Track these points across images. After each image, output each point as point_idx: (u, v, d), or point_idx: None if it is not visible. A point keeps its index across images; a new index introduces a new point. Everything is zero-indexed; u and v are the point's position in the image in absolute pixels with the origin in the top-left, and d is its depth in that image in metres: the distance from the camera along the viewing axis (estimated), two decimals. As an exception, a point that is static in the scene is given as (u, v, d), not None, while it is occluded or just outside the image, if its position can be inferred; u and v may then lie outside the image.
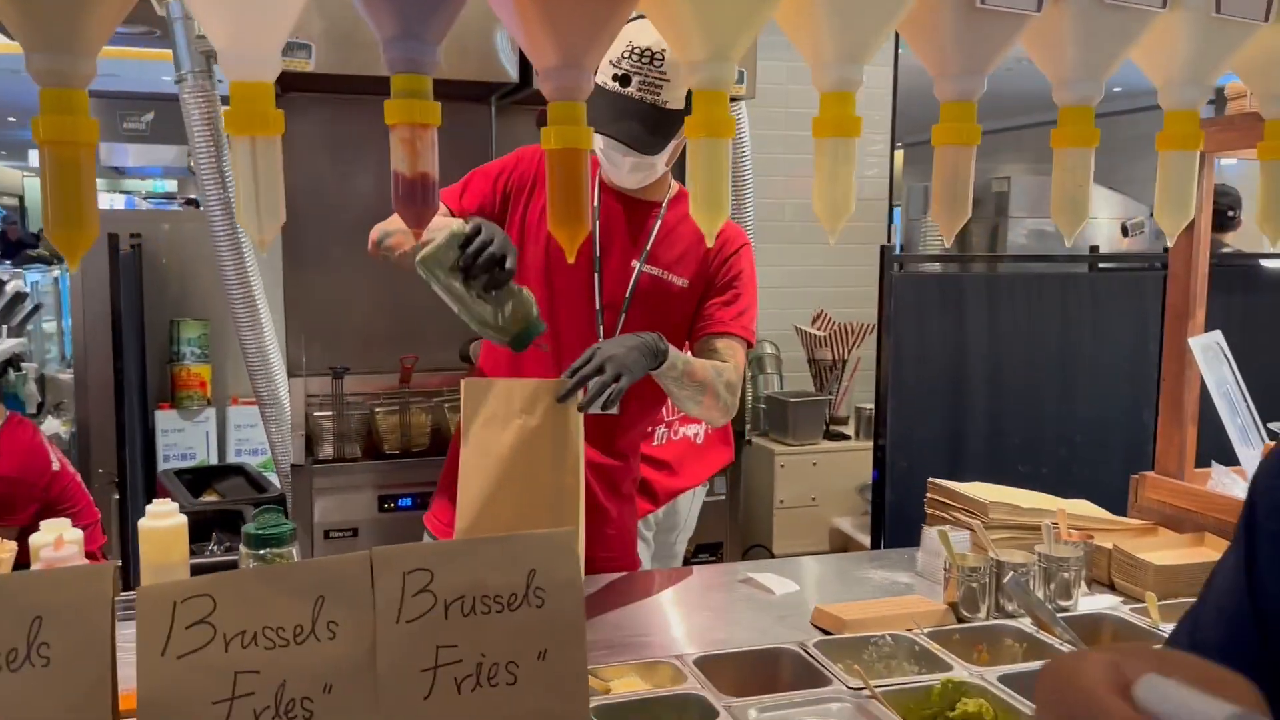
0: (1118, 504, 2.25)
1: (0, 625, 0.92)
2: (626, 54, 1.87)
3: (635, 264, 2.03)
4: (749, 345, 2.08)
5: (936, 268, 3.97)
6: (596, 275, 2.02)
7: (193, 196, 12.74)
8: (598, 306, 2.02)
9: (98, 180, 1.28)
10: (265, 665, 0.97)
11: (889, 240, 4.69)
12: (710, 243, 1.43)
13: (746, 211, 4.14)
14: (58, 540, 1.50)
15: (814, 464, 3.82)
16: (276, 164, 1.27)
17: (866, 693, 1.48)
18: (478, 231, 1.70)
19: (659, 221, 2.06)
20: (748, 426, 3.82)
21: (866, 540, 3.24)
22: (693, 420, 2.66)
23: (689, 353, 2.03)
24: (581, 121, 1.37)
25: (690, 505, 2.72)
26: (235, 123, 1.25)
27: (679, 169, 1.70)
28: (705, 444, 2.70)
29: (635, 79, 1.86)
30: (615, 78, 1.87)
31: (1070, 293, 2.96)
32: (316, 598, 1.00)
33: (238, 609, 0.98)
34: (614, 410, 1.81)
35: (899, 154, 4.73)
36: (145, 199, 15.23)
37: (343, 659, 0.99)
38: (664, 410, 2.59)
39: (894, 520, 2.78)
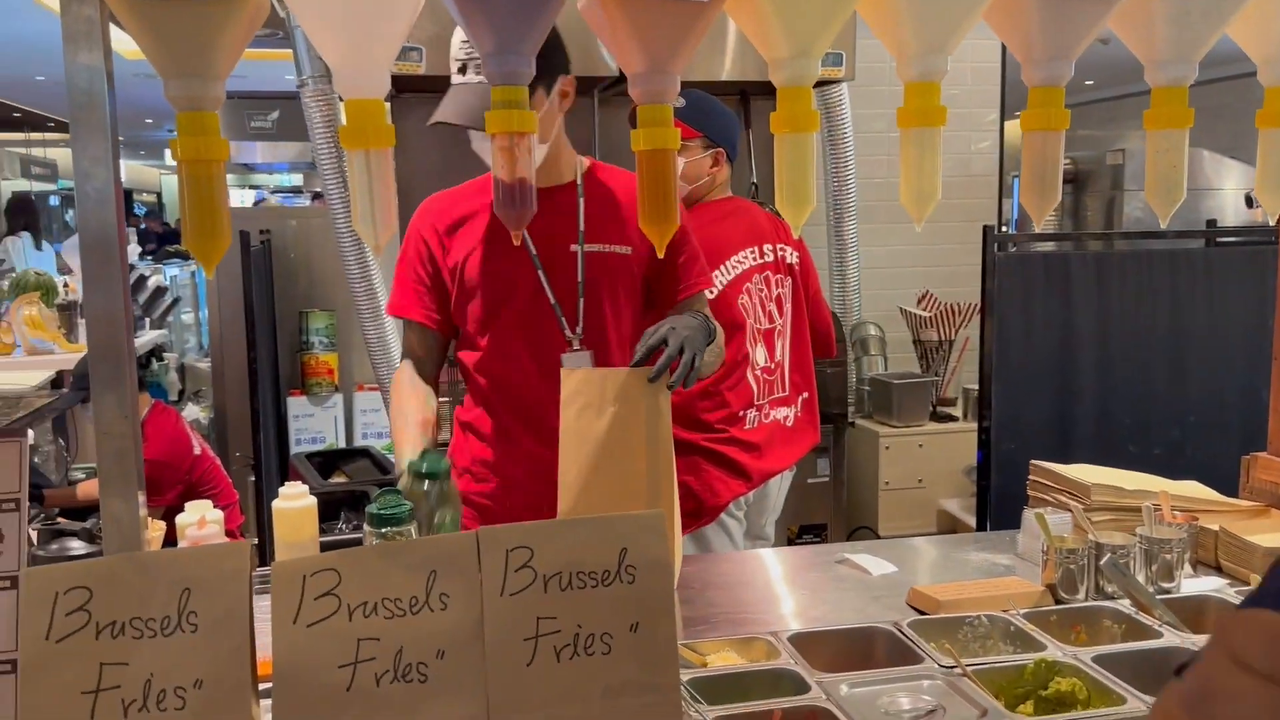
0: (1233, 487, 2.20)
1: (155, 596, 1.04)
2: (461, 44, 1.90)
3: (575, 248, 2.03)
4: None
5: (1049, 245, 3.89)
6: (541, 274, 2.01)
7: (319, 190, 13.29)
8: (552, 302, 2.01)
9: (228, 176, 1.40)
10: (385, 633, 1.07)
11: (999, 216, 4.60)
12: (796, 235, 1.48)
13: (849, 193, 4.13)
14: (201, 520, 1.65)
15: (920, 445, 3.80)
16: (389, 174, 1.38)
17: (958, 671, 1.51)
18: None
19: (581, 199, 2.06)
20: (851, 408, 3.83)
21: (973, 522, 3.23)
22: (783, 403, 2.69)
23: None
24: (669, 123, 1.43)
25: (779, 488, 2.75)
26: (350, 138, 1.36)
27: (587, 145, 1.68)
28: (795, 427, 2.72)
29: (470, 65, 1.89)
30: (458, 69, 1.91)
31: (1183, 269, 2.88)
32: (430, 572, 1.10)
33: (360, 582, 1.08)
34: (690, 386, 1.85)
35: (1014, 124, 4.61)
36: (274, 193, 15.96)
37: (454, 628, 1.09)
38: (754, 393, 2.64)
39: (999, 503, 2.76)
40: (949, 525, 3.71)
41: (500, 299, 2.03)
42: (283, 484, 1.79)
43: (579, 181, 2.09)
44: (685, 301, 2.15)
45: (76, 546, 1.64)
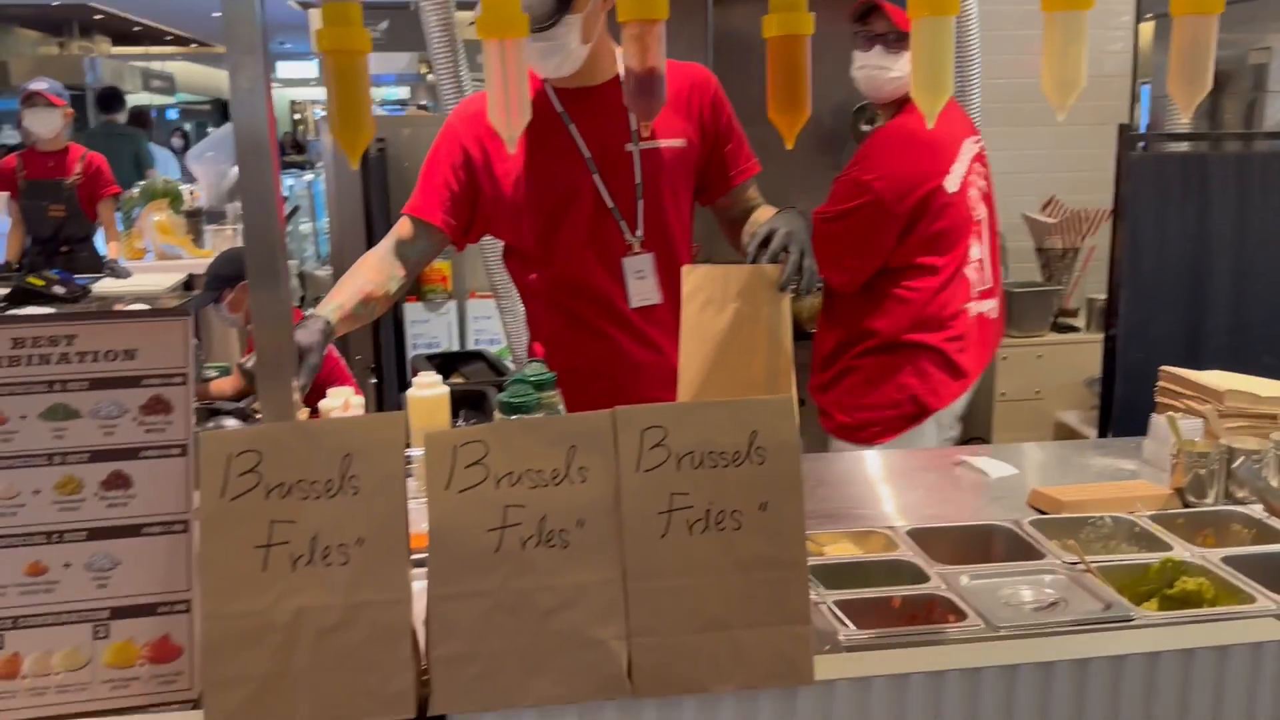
0: (1377, 398, 2.10)
1: (318, 460, 1.12)
2: None
3: (629, 147, 1.98)
4: None
5: (1183, 148, 3.70)
6: (597, 178, 1.98)
7: (424, 103, 13.38)
8: (610, 205, 1.98)
9: None
10: (530, 501, 1.13)
11: (1131, 120, 4.39)
12: (930, 124, 1.46)
13: (973, 93, 3.99)
14: (345, 404, 1.74)
15: (1039, 356, 3.71)
16: (522, 64, 1.40)
17: (1082, 567, 1.51)
18: None
19: None
20: (969, 318, 3.75)
21: (1093, 435, 3.16)
22: (987, 294, 2.65)
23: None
24: (802, 8, 1.41)
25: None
26: (486, 27, 1.38)
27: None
28: (997, 319, 2.70)
29: None
30: None
31: (1334, 172, 2.71)
32: (570, 447, 1.15)
33: (506, 454, 1.14)
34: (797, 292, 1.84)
35: (1147, 26, 4.35)
36: (380, 106, 16.17)
37: (593, 499, 1.14)
38: (970, 288, 2.58)
39: (1123, 415, 2.69)
40: (1067, 437, 3.64)
41: (560, 208, 2.00)
42: (402, 386, 1.86)
43: (623, 76, 2.04)
44: (740, 187, 2.11)
45: (232, 425, 1.75)
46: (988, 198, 2.67)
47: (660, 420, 1.17)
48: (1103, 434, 2.75)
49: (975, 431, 3.85)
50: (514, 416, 1.69)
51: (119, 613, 1.17)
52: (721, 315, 1.83)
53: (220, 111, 16.14)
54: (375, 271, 2.00)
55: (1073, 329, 3.81)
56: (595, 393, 2.07)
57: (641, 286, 2.06)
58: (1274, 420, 1.88)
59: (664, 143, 2.01)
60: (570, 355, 2.08)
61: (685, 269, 1.85)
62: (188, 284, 5.49)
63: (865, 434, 2.58)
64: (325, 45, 1.35)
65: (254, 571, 1.10)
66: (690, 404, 1.19)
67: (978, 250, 2.61)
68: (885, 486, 2.06)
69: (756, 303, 1.82)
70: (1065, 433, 3.59)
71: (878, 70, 2.55)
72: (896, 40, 2.48)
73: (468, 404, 3.70)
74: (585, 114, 2.00)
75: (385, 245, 2.06)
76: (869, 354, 2.60)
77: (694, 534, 1.16)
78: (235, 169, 7.36)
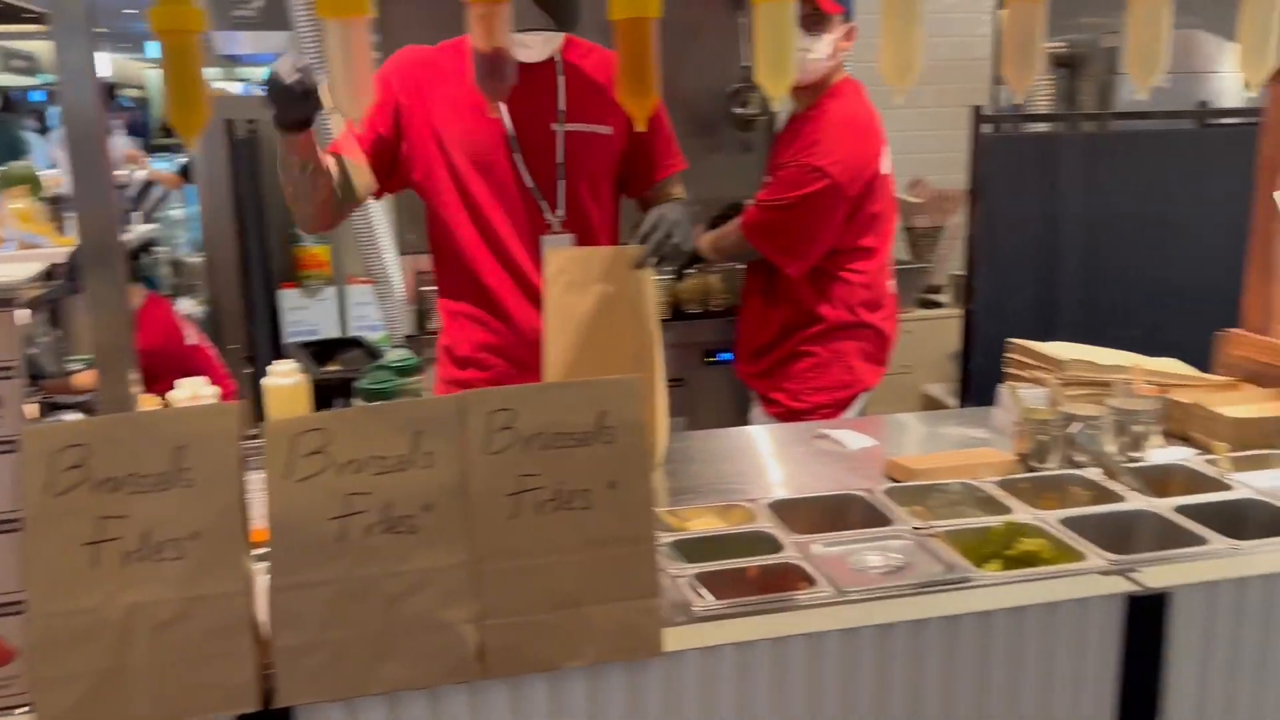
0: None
1: (150, 453, 1.09)
2: None
3: (555, 127, 2.00)
4: None
5: (1042, 127, 3.86)
6: (518, 156, 1.99)
7: (303, 83, 12.98)
8: (530, 185, 2.00)
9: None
10: (374, 488, 1.12)
11: (997, 103, 4.54)
12: (775, 107, 1.49)
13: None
14: (194, 396, 1.69)
15: (908, 332, 3.83)
16: (365, 44, 1.37)
17: (927, 532, 1.58)
18: None
19: (561, 77, 2.01)
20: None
21: (957, 405, 3.29)
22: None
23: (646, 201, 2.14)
24: (649, -11, 1.42)
25: None
26: (326, 6, 1.35)
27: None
28: None
29: None
30: None
31: (1173, 151, 2.87)
32: (415, 432, 1.14)
33: (348, 441, 1.13)
34: (674, 273, 1.90)
35: (1007, 11, 4.50)
36: (261, 86, 15.58)
37: (439, 484, 1.14)
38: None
39: (981, 385, 2.81)
40: (934, 409, 3.78)
41: (479, 180, 2.00)
42: (280, 377, 1.82)
43: (557, 59, 2.05)
44: (663, 183, 2.15)
45: (72, 419, 1.68)
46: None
47: (508, 403, 1.17)
48: (963, 405, 2.87)
49: (849, 406, 3.96)
50: (375, 403, 1.67)
51: (-54, 617, 1.12)
52: (585, 297, 1.84)
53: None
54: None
55: (939, 305, 3.94)
56: (506, 369, 2.08)
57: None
58: (1110, 387, 1.98)
59: (590, 127, 2.03)
60: (485, 333, 2.09)
61: (547, 250, 1.85)
62: (49, 274, 5.23)
63: (815, 417, 2.64)
64: (158, 25, 1.31)
65: (83, 569, 1.06)
66: (538, 385, 1.19)
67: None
68: (753, 461, 2.11)
69: (620, 283, 1.84)
70: (932, 404, 3.72)
71: (798, 52, 2.58)
72: (816, 22, 2.50)
73: (344, 393, 3.64)
74: (515, 89, 2.00)
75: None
76: (819, 339, 2.66)
77: (543, 514, 1.17)
78: (117, 140, 6.98)
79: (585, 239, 2.06)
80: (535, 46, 1.98)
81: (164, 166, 7.72)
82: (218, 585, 1.09)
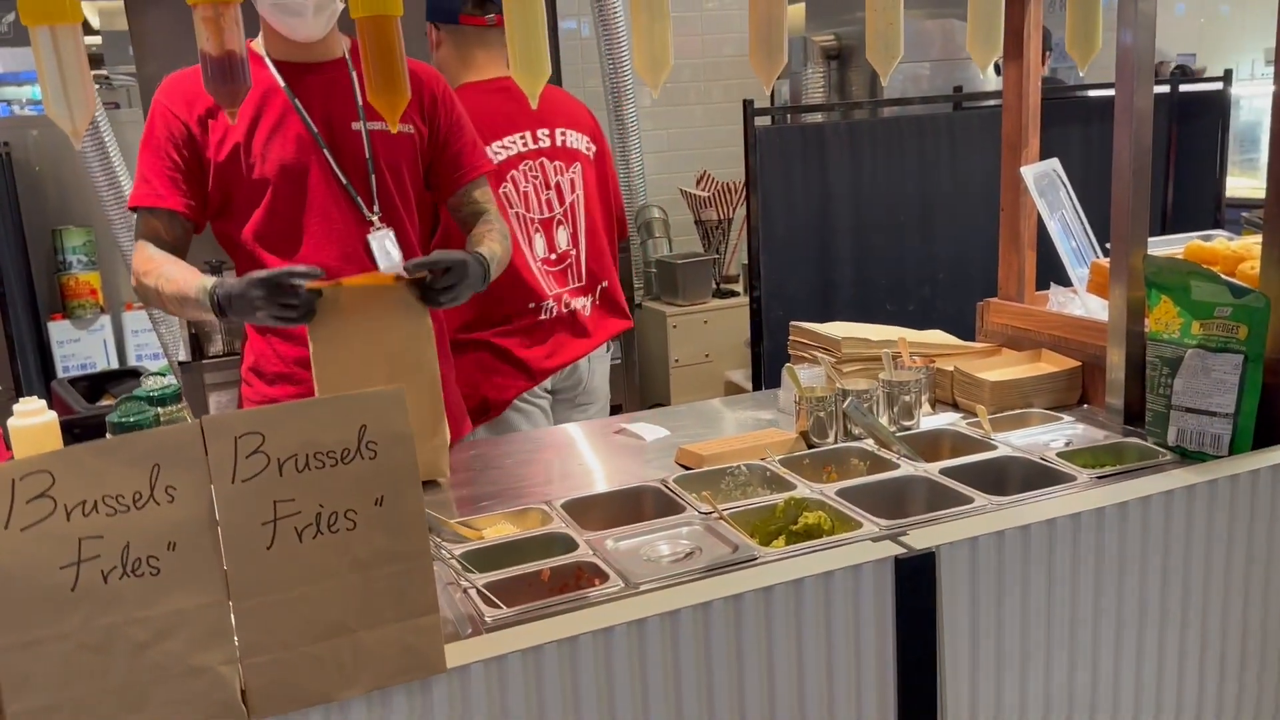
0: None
1: None
2: None
3: (357, 125, 2.00)
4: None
5: (815, 118, 4.03)
6: (328, 153, 1.97)
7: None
8: (344, 182, 1.98)
9: None
10: (108, 530, 1.03)
11: (772, 98, 4.71)
12: (534, 105, 1.47)
13: (625, 75, 4.13)
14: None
15: (705, 322, 3.94)
16: (78, 52, 1.27)
17: (715, 516, 1.60)
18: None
19: (354, 76, 2.01)
20: (639, 291, 3.90)
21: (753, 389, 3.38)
22: (580, 292, 2.63)
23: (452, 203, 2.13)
24: (387, -11, 1.38)
25: (589, 373, 2.67)
26: (30, 12, 1.24)
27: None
28: (592, 316, 2.66)
29: None
30: None
31: (929, 134, 3.05)
32: (152, 465, 1.06)
33: (76, 481, 1.03)
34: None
35: (798, 8, 4.66)
36: (27, 106, 14.39)
37: (184, 519, 1.06)
38: (542, 286, 2.56)
39: (771, 367, 2.91)
40: (736, 393, 3.88)
41: (292, 186, 1.95)
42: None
43: (348, 59, 2.02)
44: (466, 188, 2.13)
45: None
46: (565, 192, 2.61)
47: (256, 425, 1.10)
48: (757, 388, 2.96)
49: (655, 397, 4.03)
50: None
51: None
52: (354, 334, 1.77)
53: None
54: (177, 262, 1.91)
55: (734, 293, 4.06)
56: None
57: (389, 262, 2.01)
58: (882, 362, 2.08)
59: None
60: (295, 346, 2.01)
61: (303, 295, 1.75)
62: None
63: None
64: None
65: None
66: (289, 404, 1.13)
67: (542, 247, 2.58)
68: (549, 462, 2.09)
69: (386, 318, 1.79)
70: (734, 390, 3.83)
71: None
72: None
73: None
74: (310, 90, 1.97)
75: (150, 247, 1.92)
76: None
77: (304, 540, 1.11)
78: None
79: (400, 235, 2.04)
80: (306, 12, 1.90)
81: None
82: (-69, 655, 0.97)
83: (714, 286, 4.03)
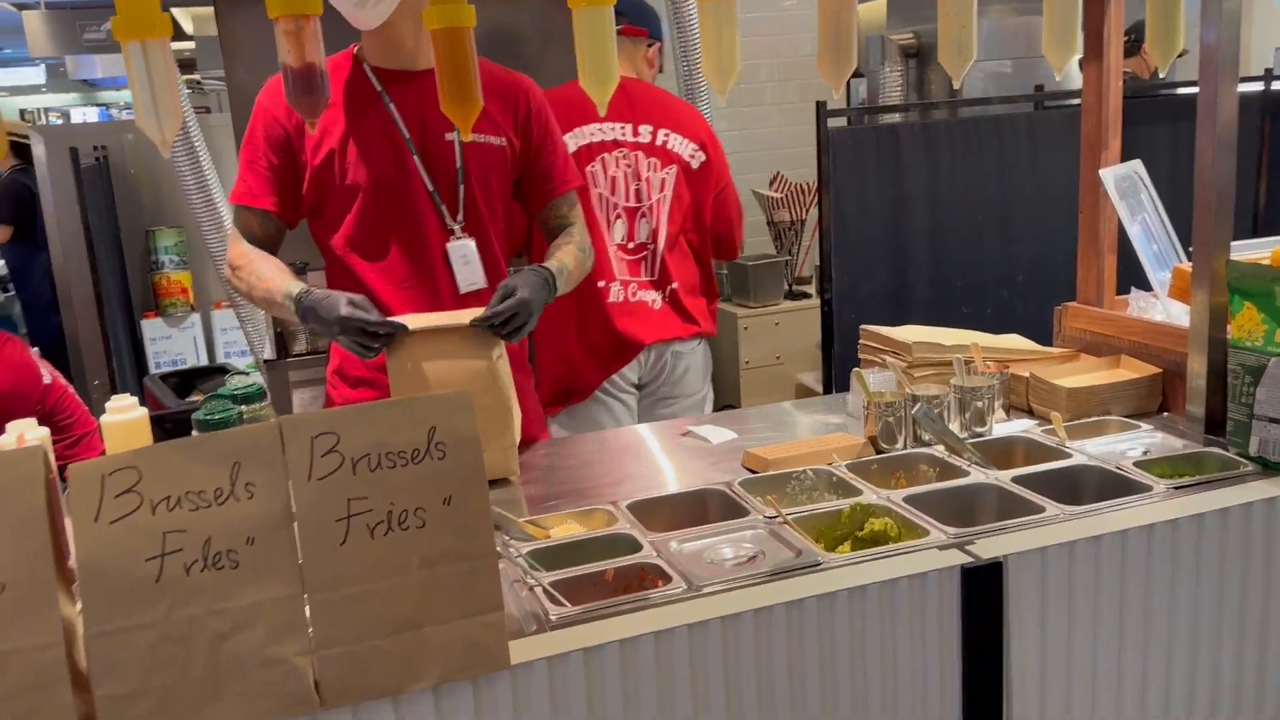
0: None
1: (-53, 506, 1.03)
2: None
3: (450, 136, 2.01)
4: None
5: (891, 118, 3.98)
6: (418, 159, 2.00)
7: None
8: (430, 189, 2.01)
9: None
10: (190, 524, 1.08)
11: (849, 98, 4.67)
12: (602, 112, 1.49)
13: (699, 78, 4.12)
14: (20, 438, 1.61)
15: (776, 324, 3.92)
16: (167, 65, 1.33)
17: (780, 520, 1.60)
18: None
19: None
20: (711, 292, 3.89)
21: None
22: (650, 286, 2.71)
23: (542, 223, 2.16)
24: (462, 1, 1.41)
25: (671, 369, 2.75)
26: (124, 28, 1.30)
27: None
28: (660, 312, 2.73)
29: None
30: None
31: (1008, 134, 3.00)
32: (233, 463, 1.11)
33: (161, 477, 1.09)
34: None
35: (879, 5, 4.60)
36: (124, 110, 14.97)
37: (262, 515, 1.11)
38: (614, 268, 2.67)
39: (842, 371, 2.89)
40: (807, 396, 3.86)
41: (381, 194, 2.00)
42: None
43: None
44: (555, 202, 2.16)
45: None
46: (653, 190, 2.71)
47: (331, 425, 1.15)
48: (828, 391, 2.94)
49: (726, 399, 4.03)
50: (214, 434, 1.62)
51: None
52: (432, 365, 1.82)
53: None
54: (270, 259, 1.99)
55: (805, 295, 4.03)
56: None
57: (468, 272, 2.06)
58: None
59: (485, 138, 2.03)
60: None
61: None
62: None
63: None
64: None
65: (-123, 635, 1.00)
66: (363, 405, 1.17)
67: (621, 234, 2.70)
68: (616, 463, 2.11)
69: (467, 355, 1.84)
70: (804, 392, 3.80)
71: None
72: None
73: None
74: (406, 97, 2.01)
75: (244, 243, 2.01)
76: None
77: (375, 537, 1.15)
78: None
79: (483, 246, 2.07)
80: (366, 4, 1.90)
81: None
82: (29, 638, 1.04)
83: (786, 288, 4.02)
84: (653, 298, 2.73)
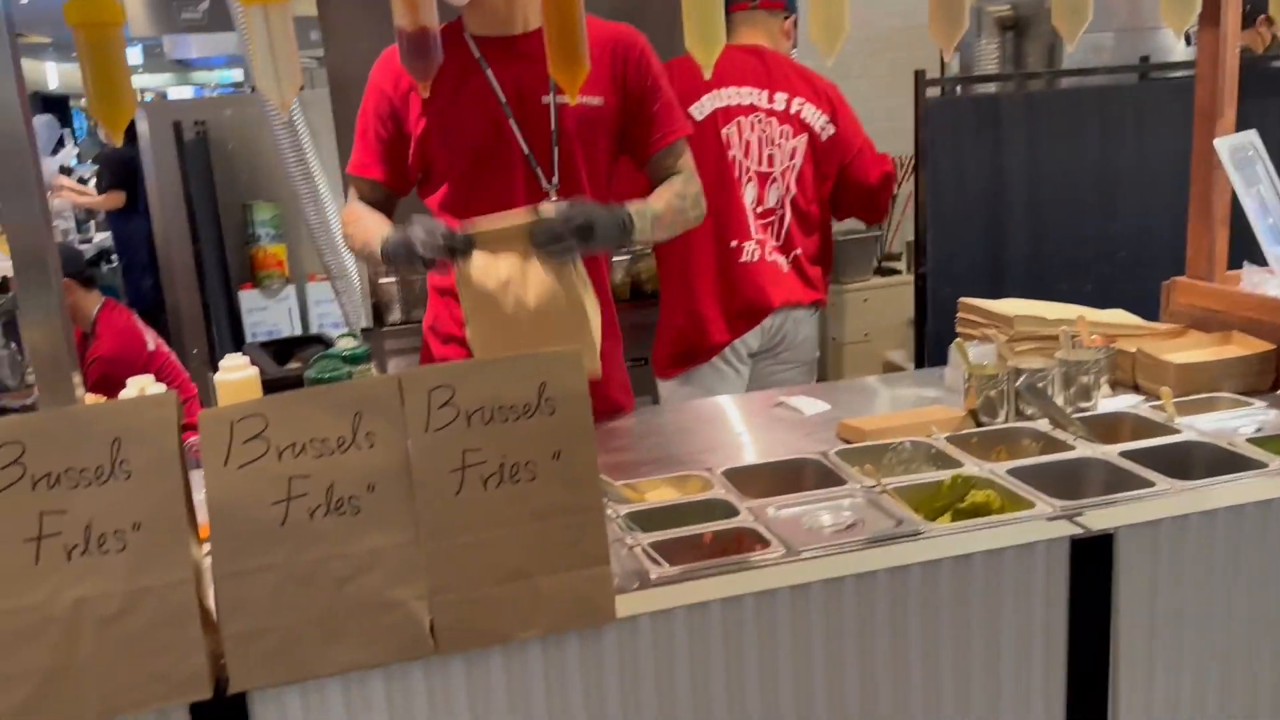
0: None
1: (87, 446, 1.08)
2: None
3: (546, 99, 2.00)
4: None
5: (987, 89, 3.89)
6: (514, 123, 2.00)
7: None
8: (526, 152, 2.01)
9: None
10: (315, 470, 1.12)
11: (942, 69, 4.56)
12: (707, 75, 1.49)
13: (791, 49, 4.08)
14: (141, 391, 1.68)
15: (865, 300, 3.87)
16: (289, 29, 1.37)
17: (879, 489, 1.59)
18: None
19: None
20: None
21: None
22: (779, 250, 2.76)
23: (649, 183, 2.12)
24: (570, -40, 1.42)
25: (791, 335, 2.78)
26: (248, -8, 1.34)
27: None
28: (787, 275, 2.77)
29: None
30: None
31: (1112, 106, 2.91)
32: (355, 413, 1.14)
33: (287, 425, 1.12)
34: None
35: None
36: (215, 90, 15.40)
37: (382, 463, 1.14)
38: (750, 226, 2.71)
39: (936, 347, 2.84)
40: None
41: (479, 159, 2.02)
42: (241, 375, 1.81)
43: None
44: (661, 152, 2.11)
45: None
46: (782, 156, 2.75)
47: (447, 379, 1.17)
48: (919, 366, 2.90)
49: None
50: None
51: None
52: (500, 264, 1.81)
53: (39, 104, 15.18)
54: (376, 214, 2.04)
55: (895, 271, 3.98)
56: None
57: None
58: (1059, 341, 2.01)
59: (582, 99, 2.00)
60: None
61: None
62: (3, 286, 5.17)
63: None
64: (73, 19, 1.29)
65: (26, 566, 1.06)
66: (476, 361, 1.20)
67: (752, 197, 2.73)
68: (710, 432, 2.12)
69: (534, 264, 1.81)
70: (892, 369, 3.76)
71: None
72: None
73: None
74: (502, 61, 2.02)
75: (357, 204, 2.08)
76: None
77: (488, 489, 1.17)
78: (51, 161, 6.91)
79: None
80: (523, 12, 1.98)
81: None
82: (162, 575, 1.08)
83: (875, 264, 3.96)
84: (781, 261, 2.78)
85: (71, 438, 1.08)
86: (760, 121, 2.72)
